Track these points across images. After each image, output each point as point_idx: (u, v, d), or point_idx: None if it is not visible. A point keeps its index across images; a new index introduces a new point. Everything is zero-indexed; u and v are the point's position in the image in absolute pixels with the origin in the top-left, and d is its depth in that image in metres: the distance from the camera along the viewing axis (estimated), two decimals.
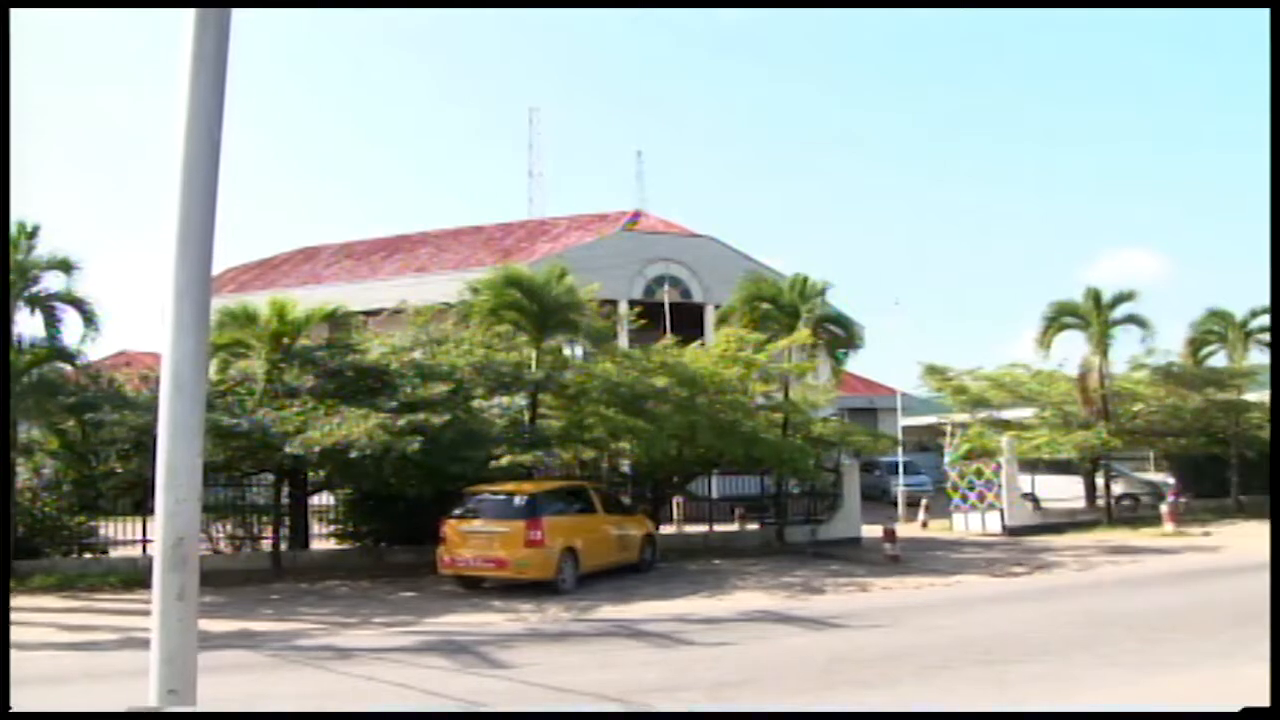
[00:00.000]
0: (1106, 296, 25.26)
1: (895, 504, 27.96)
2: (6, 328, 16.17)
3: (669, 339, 21.69)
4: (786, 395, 22.15)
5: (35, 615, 13.41)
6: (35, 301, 17.12)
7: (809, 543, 20.90)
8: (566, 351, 20.64)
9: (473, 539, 15.26)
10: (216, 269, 5.27)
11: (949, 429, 28.08)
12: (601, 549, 16.32)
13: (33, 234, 16.85)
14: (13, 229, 16.19)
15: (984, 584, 16.08)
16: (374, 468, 16.20)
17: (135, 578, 15.49)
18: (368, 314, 22.51)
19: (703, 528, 22.38)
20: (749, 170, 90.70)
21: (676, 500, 23.23)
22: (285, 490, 18.60)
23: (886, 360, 50.08)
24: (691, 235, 31.04)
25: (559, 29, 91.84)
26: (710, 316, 27.71)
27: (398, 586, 16.28)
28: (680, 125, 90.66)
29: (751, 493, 23.33)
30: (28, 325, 17.19)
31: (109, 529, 18.34)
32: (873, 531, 21.74)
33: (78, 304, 17.33)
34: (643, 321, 24.03)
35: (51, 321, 17.31)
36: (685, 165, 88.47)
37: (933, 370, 28.36)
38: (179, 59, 3.75)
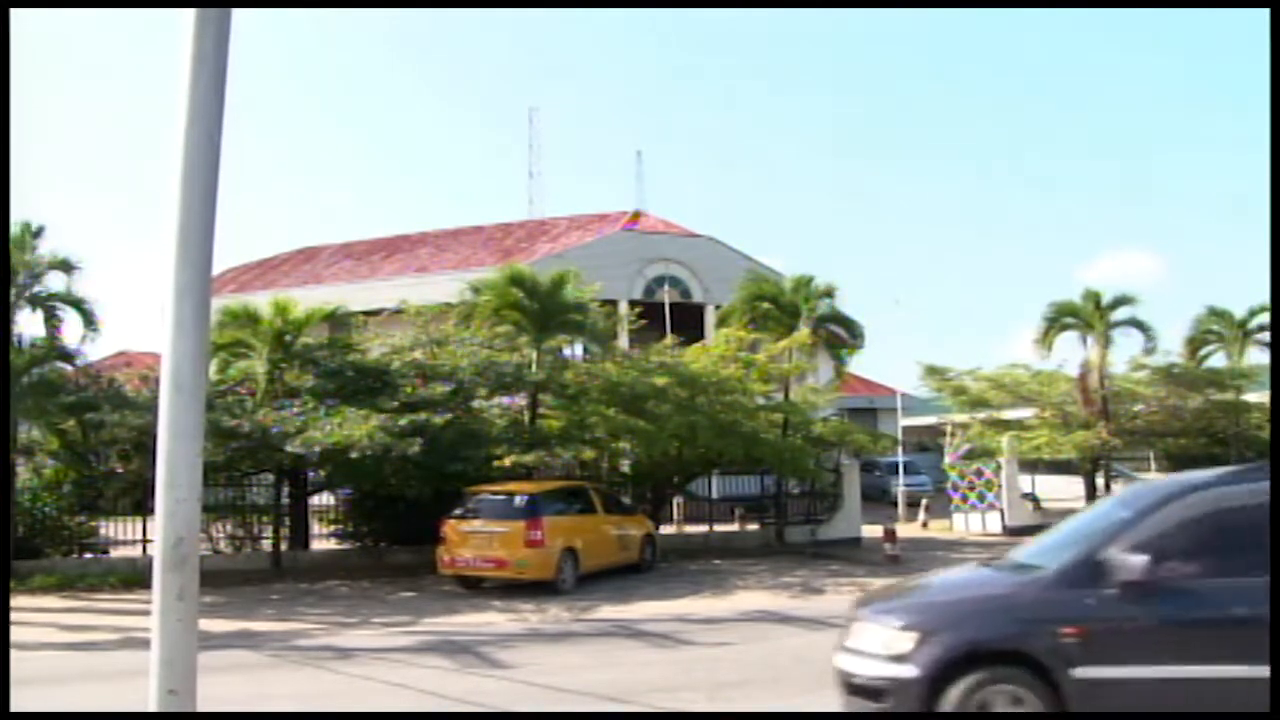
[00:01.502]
0: (1107, 298, 25.28)
1: (895, 504, 27.94)
2: (6, 328, 16.18)
3: (669, 339, 21.70)
4: (787, 395, 22.14)
5: (35, 615, 13.43)
6: (35, 301, 17.14)
7: (809, 543, 20.89)
8: (567, 351, 20.64)
9: (473, 539, 15.26)
10: (216, 269, 5.27)
11: (949, 429, 28.06)
12: (601, 549, 16.31)
13: (38, 234, 16.87)
14: (17, 229, 16.22)
15: None
16: (375, 468, 16.23)
17: (135, 578, 15.48)
18: (368, 314, 22.50)
19: (703, 528, 22.37)
20: (749, 170, 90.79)
21: (676, 500, 23.22)
22: (285, 490, 18.62)
23: (886, 360, 50.18)
24: (691, 235, 31.05)
25: (559, 29, 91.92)
26: (710, 316, 27.72)
27: (398, 586, 16.27)
28: (680, 126, 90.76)
29: (751, 493, 23.31)
30: (28, 325, 17.25)
31: (109, 529, 18.36)
32: (873, 532, 21.72)
33: (78, 304, 17.36)
34: (643, 321, 24.02)
35: (52, 321, 17.33)
36: (685, 165, 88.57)
37: (933, 370, 28.34)
38: (179, 59, 3.75)
